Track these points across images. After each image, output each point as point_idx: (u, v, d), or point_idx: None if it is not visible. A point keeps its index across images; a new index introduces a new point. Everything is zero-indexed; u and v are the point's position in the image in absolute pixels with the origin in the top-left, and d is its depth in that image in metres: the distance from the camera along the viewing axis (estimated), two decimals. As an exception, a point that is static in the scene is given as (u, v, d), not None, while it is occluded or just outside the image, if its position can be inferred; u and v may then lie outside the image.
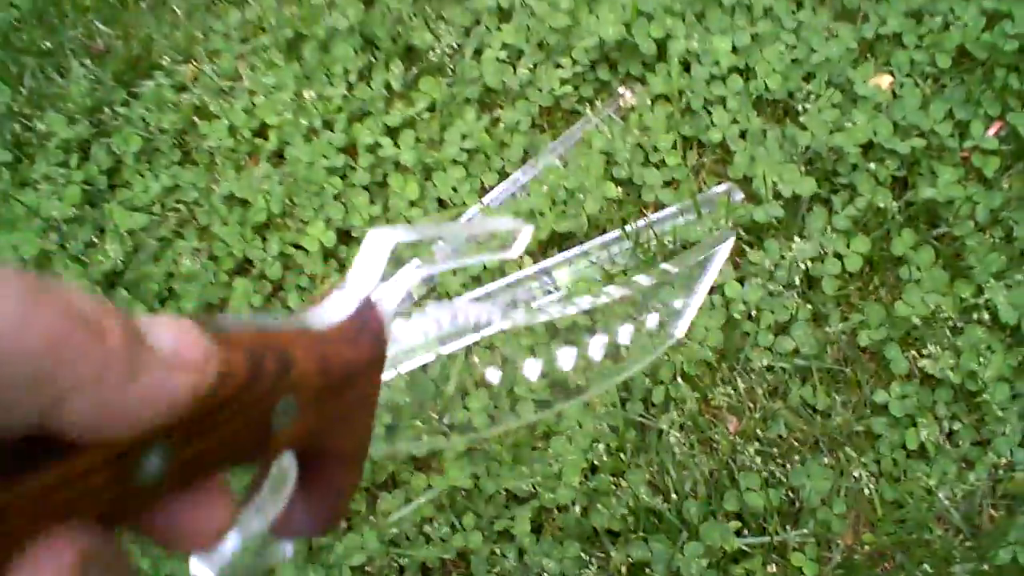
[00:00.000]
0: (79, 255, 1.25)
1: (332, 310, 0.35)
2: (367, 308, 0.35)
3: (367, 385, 0.35)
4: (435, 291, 1.23)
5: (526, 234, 0.41)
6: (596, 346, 0.42)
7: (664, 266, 0.48)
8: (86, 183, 1.29)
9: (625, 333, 0.44)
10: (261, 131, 1.32)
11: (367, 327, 0.35)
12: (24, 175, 1.31)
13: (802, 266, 1.12)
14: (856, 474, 1.06)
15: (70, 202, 1.26)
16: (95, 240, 1.26)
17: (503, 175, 1.28)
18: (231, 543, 0.33)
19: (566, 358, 0.41)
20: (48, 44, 1.40)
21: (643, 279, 0.48)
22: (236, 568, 0.33)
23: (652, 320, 0.45)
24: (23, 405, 0.22)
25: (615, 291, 0.45)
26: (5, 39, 1.41)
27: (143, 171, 1.30)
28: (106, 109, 1.35)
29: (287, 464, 0.33)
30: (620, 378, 0.42)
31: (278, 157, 1.31)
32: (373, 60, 1.35)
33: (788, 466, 1.07)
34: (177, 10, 1.46)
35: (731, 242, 0.50)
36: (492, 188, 1.27)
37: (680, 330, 0.47)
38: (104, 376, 0.23)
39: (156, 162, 1.31)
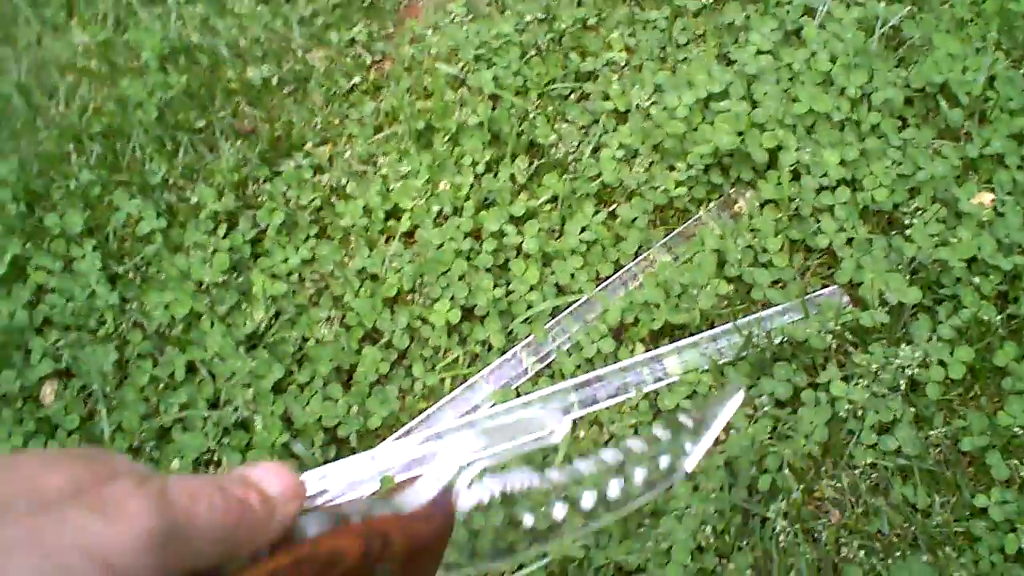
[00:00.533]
0: (224, 317, 1.35)
1: (417, 494, 0.47)
2: (443, 494, 0.47)
3: (438, 549, 0.46)
4: (549, 368, 1.30)
5: (566, 424, 0.52)
6: (615, 488, 0.51)
7: (681, 418, 0.57)
8: (232, 251, 1.39)
9: (640, 475, 0.52)
10: (394, 212, 1.42)
11: (440, 508, 0.46)
12: (176, 241, 1.42)
13: (907, 371, 1.18)
14: (956, 574, 1.10)
15: (218, 268, 1.36)
16: (241, 303, 1.36)
17: (618, 266, 1.36)
18: None
19: (588, 499, 0.49)
20: (200, 123, 1.53)
21: (660, 432, 0.56)
22: None
23: (664, 461, 0.53)
24: (215, 556, 0.37)
25: (635, 444, 0.54)
26: (161, 116, 1.54)
27: (284, 243, 1.41)
28: (251, 184, 1.46)
29: None
30: (626, 511, 0.51)
31: (408, 237, 1.40)
32: (499, 154, 1.45)
33: (890, 561, 1.11)
34: (316, 97, 1.58)
35: (741, 395, 0.58)
36: (607, 278, 1.35)
37: (689, 467, 0.55)
38: (257, 532, 0.39)
39: (296, 235, 1.42)
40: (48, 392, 1.34)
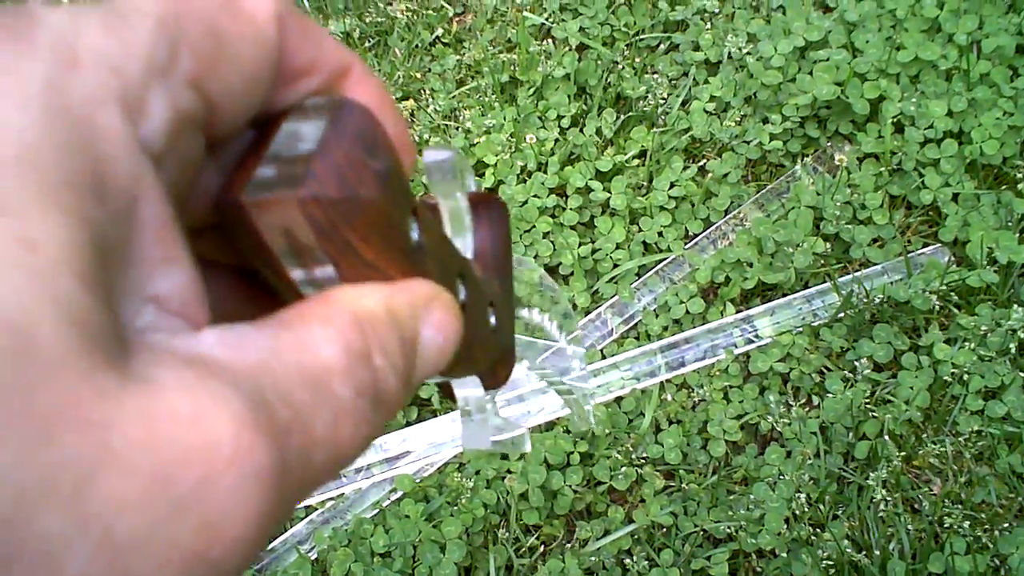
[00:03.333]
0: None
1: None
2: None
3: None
4: (635, 329, 1.27)
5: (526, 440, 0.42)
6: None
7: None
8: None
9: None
10: (477, 168, 1.39)
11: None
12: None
13: (1018, 334, 1.12)
14: (1066, 547, 1.04)
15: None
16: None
17: (708, 223, 1.31)
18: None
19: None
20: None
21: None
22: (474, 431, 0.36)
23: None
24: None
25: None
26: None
27: (366, 200, 1.39)
28: (333, 140, 1.44)
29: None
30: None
31: (492, 194, 1.37)
32: (585, 107, 1.41)
33: (996, 532, 1.06)
34: (398, 51, 1.55)
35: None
36: (697, 235, 1.31)
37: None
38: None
39: (378, 192, 1.40)
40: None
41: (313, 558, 1.17)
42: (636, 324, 1.28)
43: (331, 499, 1.23)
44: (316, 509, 1.22)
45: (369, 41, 1.58)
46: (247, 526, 0.18)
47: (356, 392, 0.22)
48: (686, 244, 1.30)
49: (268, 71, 0.23)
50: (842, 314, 1.19)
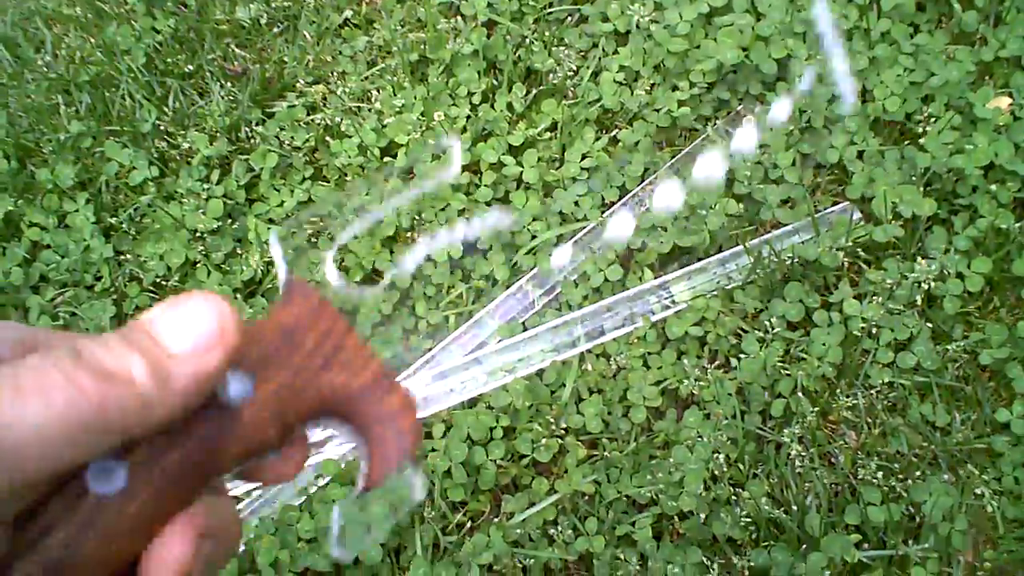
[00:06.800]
0: (221, 264, 1.33)
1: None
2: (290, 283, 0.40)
3: (318, 335, 0.39)
4: (556, 300, 1.27)
5: (457, 149, 0.44)
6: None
7: None
8: (226, 197, 1.36)
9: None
10: (389, 149, 1.38)
11: (294, 295, 0.39)
12: (169, 189, 1.39)
13: (923, 286, 1.14)
14: (978, 491, 1.07)
15: (212, 215, 1.33)
16: (237, 250, 1.34)
17: (624, 191, 1.32)
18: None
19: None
20: (190, 67, 1.49)
21: None
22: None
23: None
24: (88, 452, 0.30)
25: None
26: (150, 62, 1.50)
27: (278, 186, 1.38)
28: (243, 128, 1.43)
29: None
30: None
31: (406, 174, 1.37)
32: (495, 83, 1.40)
33: (909, 481, 1.08)
34: (307, 35, 1.53)
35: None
36: (613, 204, 1.31)
37: None
38: (146, 409, 0.31)
39: (290, 178, 1.39)
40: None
41: (240, 549, 1.16)
42: (557, 295, 1.28)
43: (258, 489, 1.22)
44: (243, 500, 1.21)
45: (278, 26, 1.56)
46: None
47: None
48: (603, 213, 1.31)
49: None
50: (754, 276, 1.20)
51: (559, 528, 1.11)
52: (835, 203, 1.27)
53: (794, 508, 1.08)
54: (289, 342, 0.38)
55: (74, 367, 0.29)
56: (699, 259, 1.25)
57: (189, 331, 0.32)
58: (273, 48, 1.53)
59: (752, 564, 1.06)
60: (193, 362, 0.32)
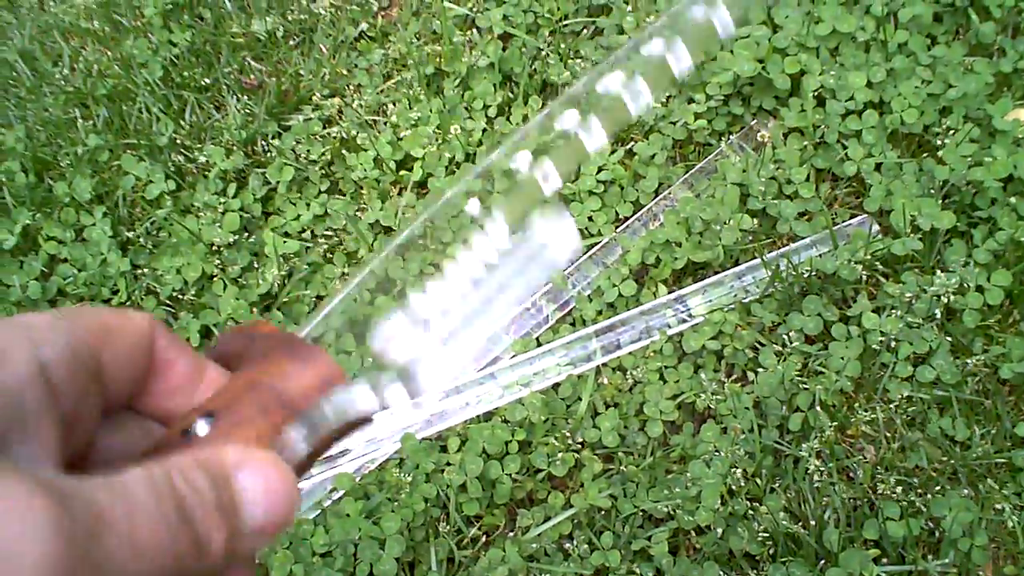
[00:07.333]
0: (237, 278, 1.33)
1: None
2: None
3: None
4: (569, 315, 1.27)
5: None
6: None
7: None
8: (243, 211, 1.37)
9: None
10: (405, 162, 1.38)
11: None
12: (186, 202, 1.39)
13: (942, 299, 1.13)
14: (998, 506, 1.06)
15: (229, 228, 1.34)
16: (254, 264, 1.34)
17: (638, 206, 1.31)
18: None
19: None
20: (206, 80, 1.50)
21: None
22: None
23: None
24: None
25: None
26: (167, 75, 1.51)
27: (295, 200, 1.38)
28: (260, 141, 1.43)
29: None
30: None
31: (421, 187, 1.37)
32: (511, 96, 1.40)
33: (929, 496, 1.07)
34: (323, 48, 1.54)
35: None
36: (627, 219, 1.31)
37: None
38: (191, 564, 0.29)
39: (306, 191, 1.39)
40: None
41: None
42: (571, 310, 1.28)
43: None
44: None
45: (294, 39, 1.57)
46: None
47: (158, 499, 0.28)
48: (617, 228, 1.30)
49: (145, 349, 0.35)
50: (772, 289, 1.20)
51: (575, 543, 1.11)
52: (853, 216, 1.26)
53: (812, 523, 1.07)
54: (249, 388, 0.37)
55: (168, 514, 0.28)
56: (715, 273, 1.24)
57: (266, 509, 0.31)
58: (289, 61, 1.54)
59: (770, 580, 1.05)
60: (254, 542, 0.31)
